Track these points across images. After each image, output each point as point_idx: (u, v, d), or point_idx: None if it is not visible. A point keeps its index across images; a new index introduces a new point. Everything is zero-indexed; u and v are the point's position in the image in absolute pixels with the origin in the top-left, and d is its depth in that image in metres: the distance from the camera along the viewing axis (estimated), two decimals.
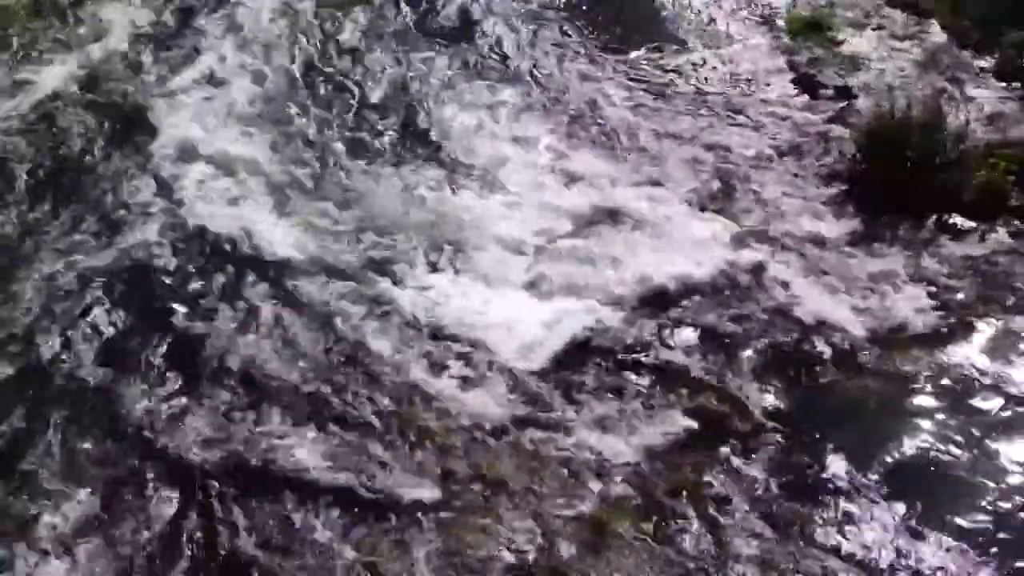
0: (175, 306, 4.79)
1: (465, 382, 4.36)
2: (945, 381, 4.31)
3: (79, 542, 3.72)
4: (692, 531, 3.72)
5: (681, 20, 7.57)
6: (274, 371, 4.42)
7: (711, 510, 3.79)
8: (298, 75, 6.73)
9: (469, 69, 6.88)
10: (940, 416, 4.16)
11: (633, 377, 4.41)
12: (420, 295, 4.84)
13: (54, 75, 6.64)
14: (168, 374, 4.43)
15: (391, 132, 6.20)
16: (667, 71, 6.89)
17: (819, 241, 5.18)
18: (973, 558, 3.57)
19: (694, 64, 6.96)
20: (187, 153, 5.86)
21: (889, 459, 3.98)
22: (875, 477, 3.90)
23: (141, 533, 3.75)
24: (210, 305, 4.80)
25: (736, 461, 3.99)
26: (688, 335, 4.61)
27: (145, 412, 4.24)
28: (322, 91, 6.59)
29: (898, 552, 3.61)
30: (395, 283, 4.93)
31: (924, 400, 4.24)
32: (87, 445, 4.11)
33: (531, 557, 3.64)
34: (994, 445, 4.00)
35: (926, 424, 4.13)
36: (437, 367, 4.44)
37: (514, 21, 7.47)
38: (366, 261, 5.08)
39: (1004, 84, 6.30)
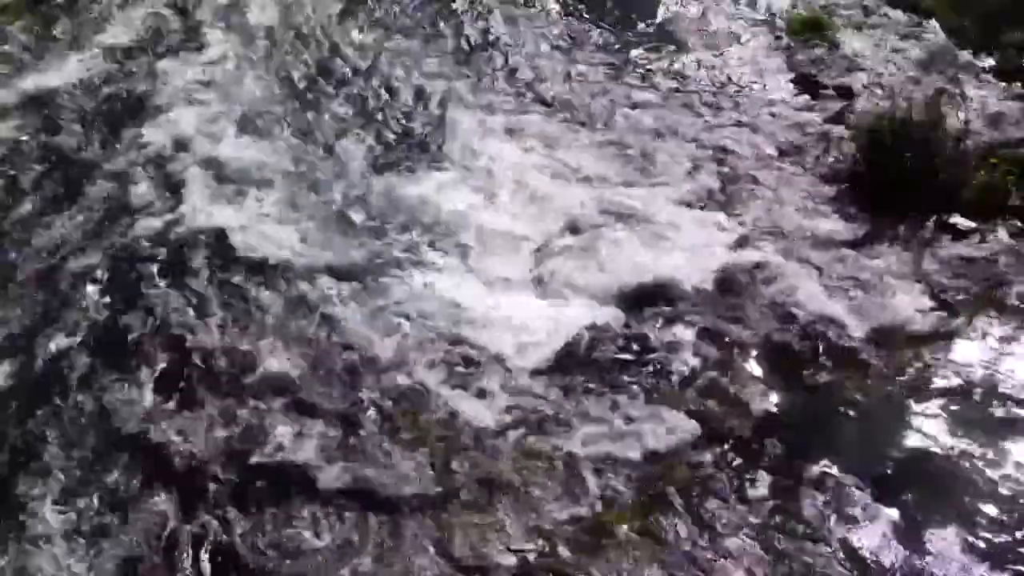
0: (175, 305, 4.79)
1: (465, 381, 4.36)
2: (945, 381, 4.31)
3: (78, 542, 3.71)
4: (692, 531, 3.71)
5: (681, 20, 7.58)
6: (273, 370, 4.41)
7: (711, 510, 3.79)
8: (300, 74, 6.74)
9: (469, 69, 6.89)
10: (940, 416, 4.15)
11: (633, 377, 4.41)
12: (421, 294, 4.84)
13: (53, 73, 6.65)
14: (167, 373, 4.43)
15: (391, 132, 6.21)
16: (667, 71, 6.90)
17: (819, 241, 5.18)
18: (974, 558, 3.57)
19: (694, 64, 6.97)
20: (187, 151, 5.87)
21: (889, 459, 3.98)
22: (875, 477, 3.89)
23: (140, 533, 3.74)
24: (210, 304, 4.80)
25: (736, 461, 3.99)
26: (688, 335, 4.60)
27: (143, 411, 4.23)
28: (323, 90, 6.59)
29: (898, 552, 3.60)
30: (395, 282, 4.93)
31: (924, 400, 4.23)
32: (85, 444, 4.10)
33: (531, 557, 3.63)
34: (994, 445, 3.99)
35: (926, 424, 4.12)
36: (437, 366, 4.44)
37: (514, 22, 7.48)
38: (366, 260, 5.08)
39: (1004, 84, 6.30)
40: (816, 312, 4.68)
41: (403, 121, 6.30)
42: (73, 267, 5.03)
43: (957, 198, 5.25)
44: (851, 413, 4.22)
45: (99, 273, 4.99)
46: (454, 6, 7.66)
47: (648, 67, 6.94)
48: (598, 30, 7.42)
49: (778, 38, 7.23)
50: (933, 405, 4.21)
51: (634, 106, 6.42)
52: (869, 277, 4.91)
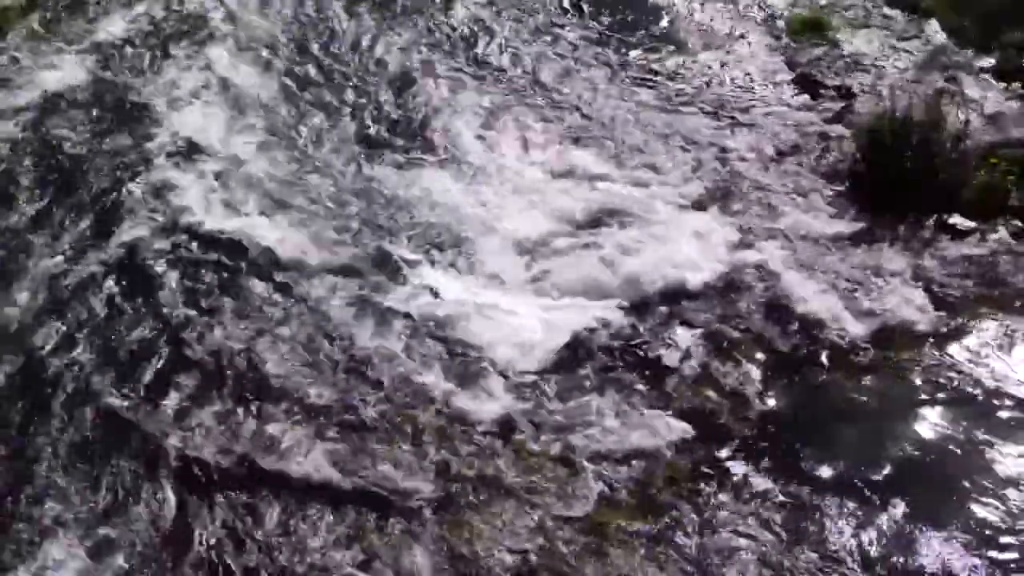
0: (174, 305, 4.78)
1: (465, 381, 4.36)
2: (945, 381, 4.31)
3: (78, 542, 3.71)
4: (692, 531, 3.71)
5: (681, 20, 7.58)
6: (273, 370, 4.41)
7: (711, 510, 3.79)
8: (300, 74, 6.74)
9: (469, 69, 6.88)
10: (940, 416, 4.15)
11: (632, 377, 4.41)
12: (419, 294, 4.84)
13: (53, 73, 6.65)
14: (167, 373, 4.42)
15: (391, 132, 6.20)
16: (667, 71, 6.89)
17: (819, 241, 5.18)
18: (973, 558, 3.57)
19: (693, 64, 6.97)
20: (187, 150, 5.87)
21: (889, 459, 3.98)
22: (875, 477, 3.90)
23: (140, 533, 3.75)
24: (210, 304, 4.80)
25: (736, 461, 3.99)
26: (688, 334, 4.60)
27: (144, 412, 4.23)
28: (323, 89, 6.59)
29: (898, 552, 3.61)
30: (395, 282, 4.93)
31: (924, 400, 4.23)
32: (86, 445, 4.10)
33: (531, 557, 3.64)
34: (994, 445, 3.99)
35: (926, 424, 4.12)
36: (437, 366, 4.44)
37: (514, 22, 7.48)
38: (366, 260, 5.08)
39: (1004, 84, 6.29)
40: (816, 312, 4.68)
41: (404, 121, 6.30)
42: (72, 267, 5.02)
43: (957, 198, 5.24)
44: (851, 413, 4.21)
45: (98, 273, 4.98)
46: (454, 5, 7.66)
47: (648, 67, 6.93)
48: (598, 30, 7.41)
49: (778, 38, 7.23)
50: (933, 405, 4.21)
51: (634, 106, 6.42)
52: (869, 277, 4.91)
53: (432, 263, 5.09)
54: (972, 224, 5.17)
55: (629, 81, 6.74)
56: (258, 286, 4.92)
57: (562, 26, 7.47)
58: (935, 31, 6.93)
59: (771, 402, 4.28)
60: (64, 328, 4.66)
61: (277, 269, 5.02)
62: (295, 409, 4.23)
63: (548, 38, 7.29)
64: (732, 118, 6.29)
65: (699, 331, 4.63)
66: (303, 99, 6.49)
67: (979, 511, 3.73)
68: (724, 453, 4.03)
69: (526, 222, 5.35)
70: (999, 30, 6.59)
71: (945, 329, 4.58)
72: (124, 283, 4.94)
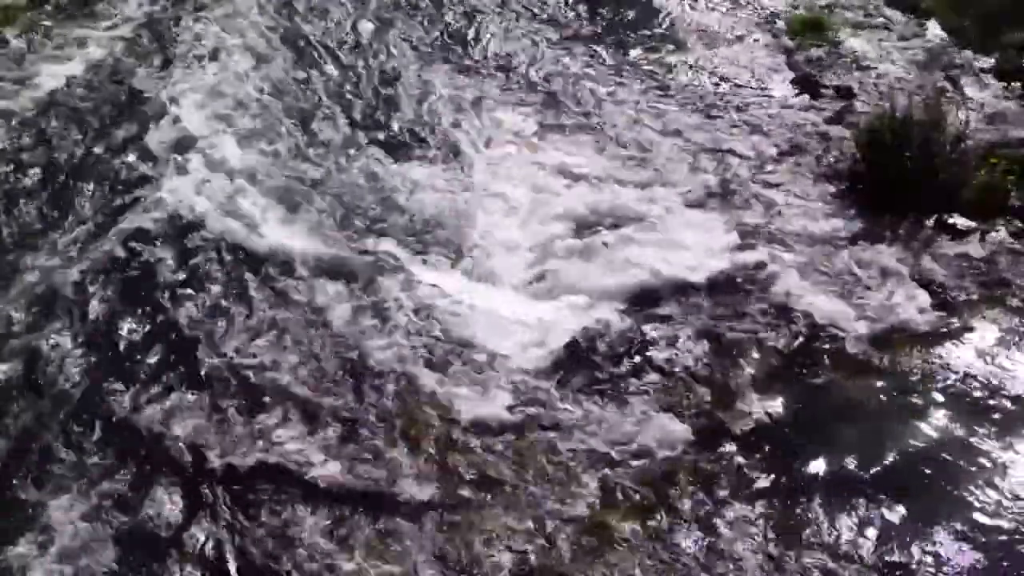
0: (174, 304, 4.78)
1: (464, 382, 4.36)
2: (945, 381, 4.31)
3: (78, 541, 3.71)
4: (692, 531, 3.71)
5: (681, 20, 7.59)
6: (273, 370, 4.41)
7: (711, 510, 3.79)
8: (301, 72, 6.75)
9: (469, 68, 6.89)
10: (940, 416, 4.15)
11: (633, 377, 4.41)
12: (419, 294, 4.84)
13: (55, 71, 6.66)
14: (166, 373, 4.42)
15: (392, 131, 6.21)
16: (667, 71, 6.90)
17: (819, 241, 5.18)
18: (973, 558, 3.57)
19: (694, 64, 6.98)
20: (188, 150, 5.87)
21: (889, 459, 3.98)
22: (875, 477, 3.89)
23: (140, 533, 3.74)
24: (209, 304, 4.80)
25: (736, 461, 3.99)
26: (688, 335, 4.60)
27: (144, 411, 4.23)
28: (324, 88, 6.60)
29: (898, 552, 3.60)
30: (395, 282, 4.92)
31: (924, 400, 4.23)
32: (85, 444, 4.10)
33: (530, 557, 3.63)
34: (994, 445, 3.99)
35: (926, 424, 4.12)
36: (437, 367, 4.44)
37: (514, 21, 7.49)
38: (366, 260, 5.08)
39: (1004, 84, 6.31)
40: (816, 311, 4.68)
41: (404, 120, 6.31)
42: (72, 265, 5.02)
43: (957, 198, 5.25)
44: (851, 413, 4.21)
45: (98, 272, 4.98)
46: (454, 4, 7.67)
47: (648, 67, 6.94)
48: (598, 29, 7.42)
49: (778, 38, 7.23)
50: (933, 405, 4.21)
51: (634, 106, 6.43)
52: (869, 277, 4.91)
53: (431, 261, 5.09)
54: (972, 224, 5.17)
55: (629, 80, 6.75)
56: (259, 285, 4.91)
57: (562, 25, 7.48)
58: (935, 31, 6.94)
59: (771, 402, 4.28)
60: (63, 327, 4.65)
61: (274, 265, 5.02)
62: (295, 409, 4.23)
63: (548, 37, 7.30)
64: (732, 118, 6.30)
65: (699, 331, 4.62)
66: (301, 94, 6.50)
67: (979, 511, 3.73)
68: (724, 453, 4.03)
69: (525, 221, 5.35)
70: (999, 30, 6.61)
71: (945, 329, 4.59)
72: (124, 281, 4.93)
